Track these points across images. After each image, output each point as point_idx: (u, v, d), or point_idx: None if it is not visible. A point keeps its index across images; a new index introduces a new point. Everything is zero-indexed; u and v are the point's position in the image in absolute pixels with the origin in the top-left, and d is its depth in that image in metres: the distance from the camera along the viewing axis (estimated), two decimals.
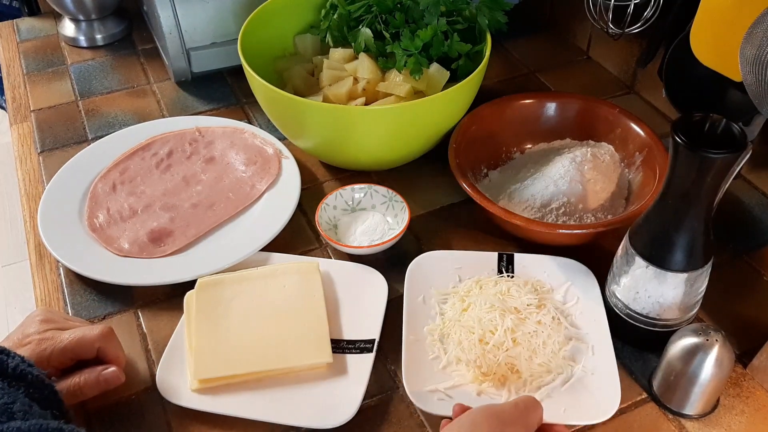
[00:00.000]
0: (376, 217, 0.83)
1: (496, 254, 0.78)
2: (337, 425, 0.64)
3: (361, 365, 0.69)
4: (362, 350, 0.70)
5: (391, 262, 0.80)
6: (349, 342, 0.72)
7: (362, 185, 0.85)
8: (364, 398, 0.66)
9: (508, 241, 0.82)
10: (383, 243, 0.79)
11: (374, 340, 0.71)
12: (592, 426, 0.65)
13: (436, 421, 0.66)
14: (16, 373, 0.54)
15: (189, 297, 0.74)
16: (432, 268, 0.77)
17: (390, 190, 0.84)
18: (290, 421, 0.65)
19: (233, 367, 0.68)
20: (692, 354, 0.62)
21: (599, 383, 0.66)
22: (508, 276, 0.76)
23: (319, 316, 0.72)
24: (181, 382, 0.68)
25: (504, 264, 0.77)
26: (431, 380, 0.66)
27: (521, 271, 0.77)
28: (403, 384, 0.68)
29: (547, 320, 0.70)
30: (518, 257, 0.78)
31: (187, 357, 0.69)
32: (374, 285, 0.77)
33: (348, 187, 0.85)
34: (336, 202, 0.84)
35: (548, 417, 0.62)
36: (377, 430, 0.65)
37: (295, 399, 0.67)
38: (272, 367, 0.68)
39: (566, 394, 0.66)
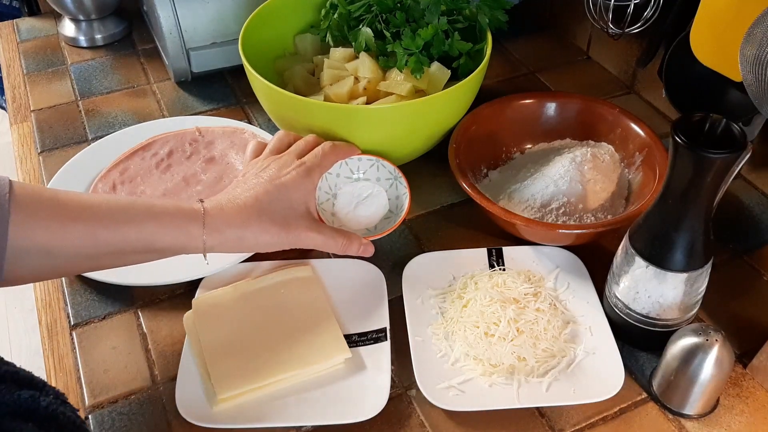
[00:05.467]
0: (378, 199, 0.81)
1: (485, 250, 0.79)
2: (373, 415, 0.64)
3: (379, 354, 0.69)
4: (376, 340, 0.71)
5: (391, 264, 0.80)
6: (360, 335, 0.72)
7: (370, 156, 0.82)
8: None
9: (507, 240, 0.82)
10: (384, 234, 0.78)
11: (385, 328, 0.71)
12: (593, 424, 0.66)
13: (436, 421, 0.66)
14: (48, 413, 0.50)
15: (188, 318, 0.73)
16: (425, 270, 0.77)
17: (396, 169, 0.82)
18: (323, 420, 0.65)
19: (254, 379, 0.66)
20: (692, 354, 0.62)
21: (602, 362, 0.68)
22: (500, 269, 0.77)
23: (326, 315, 0.72)
24: (202, 403, 0.66)
25: (494, 258, 0.79)
26: (443, 378, 0.67)
27: (511, 264, 0.78)
28: (403, 384, 0.69)
29: (545, 307, 0.72)
30: (507, 250, 0.79)
31: (203, 378, 0.68)
32: (370, 278, 0.77)
33: (355, 157, 0.82)
34: (340, 170, 0.81)
35: (559, 399, 0.66)
36: (377, 430, 0.66)
37: (321, 399, 0.66)
38: (292, 371, 0.67)
39: (573, 375, 0.67)
